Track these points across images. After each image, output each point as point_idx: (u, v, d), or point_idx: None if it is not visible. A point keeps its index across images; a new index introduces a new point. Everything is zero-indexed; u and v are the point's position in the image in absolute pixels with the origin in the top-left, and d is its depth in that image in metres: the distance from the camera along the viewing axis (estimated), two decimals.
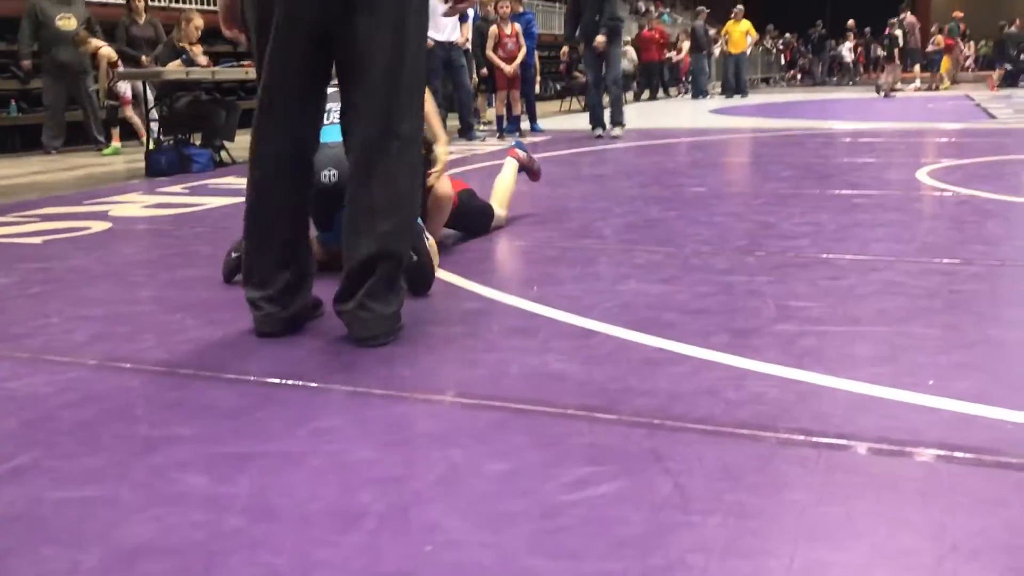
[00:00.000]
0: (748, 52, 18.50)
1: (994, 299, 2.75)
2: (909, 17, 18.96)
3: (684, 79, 20.38)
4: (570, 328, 2.52)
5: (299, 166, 2.47)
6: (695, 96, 18.08)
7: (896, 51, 17.86)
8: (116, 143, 9.11)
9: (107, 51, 8.72)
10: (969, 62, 27.06)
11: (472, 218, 3.97)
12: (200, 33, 7.58)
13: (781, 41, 28.51)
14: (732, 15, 18.11)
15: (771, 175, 5.92)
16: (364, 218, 2.33)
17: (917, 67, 19.18)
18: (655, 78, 18.69)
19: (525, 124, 10.14)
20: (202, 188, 5.87)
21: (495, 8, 9.55)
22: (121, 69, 8.57)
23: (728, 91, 18.24)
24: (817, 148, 7.55)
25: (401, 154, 2.34)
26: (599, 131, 9.24)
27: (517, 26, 9.37)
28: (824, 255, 3.36)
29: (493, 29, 9.42)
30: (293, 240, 2.48)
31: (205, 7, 11.51)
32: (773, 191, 5.14)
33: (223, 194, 5.55)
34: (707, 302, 2.77)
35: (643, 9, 29.33)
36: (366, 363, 2.26)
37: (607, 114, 9.31)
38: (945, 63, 19.59)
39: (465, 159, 7.37)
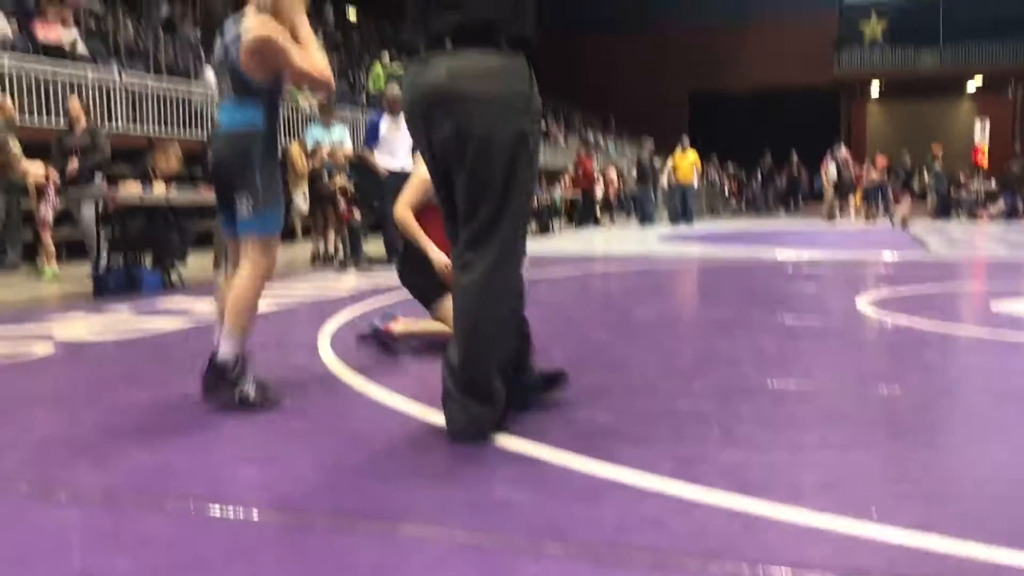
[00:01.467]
0: (696, 183, 19.13)
1: (932, 427, 2.82)
2: (843, 151, 19.88)
3: (616, 207, 20.99)
4: (517, 455, 2.51)
5: None
6: (643, 223, 18.57)
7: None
8: (51, 266, 8.71)
9: (34, 169, 8.47)
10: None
11: None
12: (175, 166, 7.66)
13: (727, 171, 29.59)
14: (679, 147, 18.81)
15: (717, 302, 6.07)
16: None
17: (851, 198, 19.98)
18: (588, 206, 19.39)
19: None
20: (150, 311, 5.82)
21: None
22: (72, 186, 8.55)
23: (676, 219, 18.77)
24: (762, 276, 7.76)
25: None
26: None
27: None
28: (769, 381, 3.42)
29: None
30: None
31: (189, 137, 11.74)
32: (719, 317, 5.26)
33: (172, 317, 5.51)
34: (653, 428, 2.79)
35: (591, 140, 30.41)
36: (312, 490, 2.22)
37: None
38: (859, 195, 20.39)
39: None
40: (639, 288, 7.25)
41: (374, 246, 10.04)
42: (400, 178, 9.00)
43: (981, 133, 23.73)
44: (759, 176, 26.95)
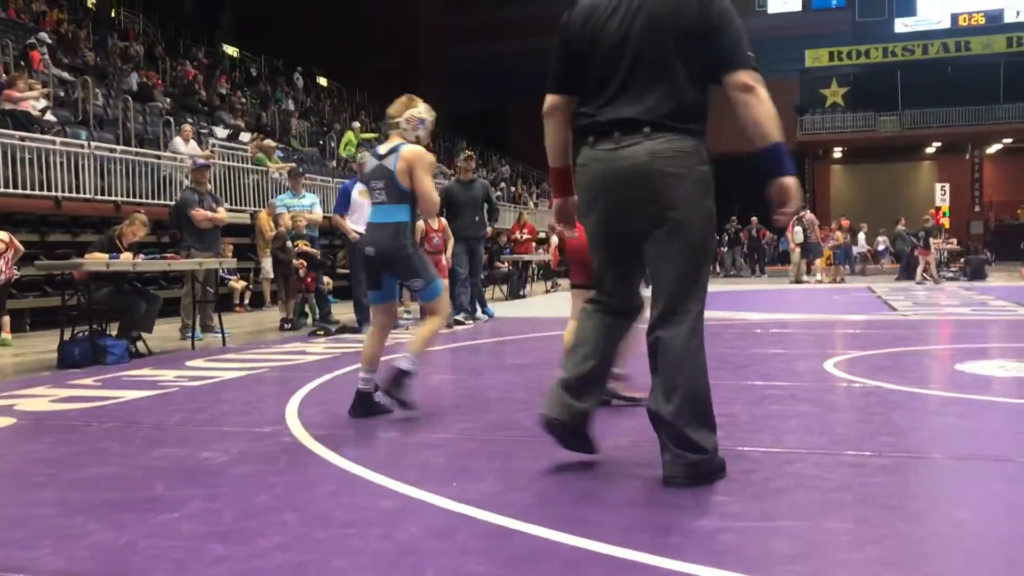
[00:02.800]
0: None
1: (902, 492, 2.82)
2: (808, 214, 20.22)
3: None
4: (489, 527, 2.49)
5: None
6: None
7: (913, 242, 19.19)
8: (5, 334, 8.63)
9: None
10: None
11: None
12: (142, 235, 7.63)
13: None
14: None
15: None
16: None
17: (818, 261, 20.27)
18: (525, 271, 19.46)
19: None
20: (115, 381, 5.74)
21: None
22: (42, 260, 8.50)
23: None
24: (731, 338, 7.80)
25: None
26: (469, 319, 9.92)
27: (443, 221, 9.72)
28: (739, 447, 3.42)
29: (420, 224, 9.74)
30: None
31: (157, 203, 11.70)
32: None
33: (137, 387, 5.43)
34: (627, 497, 2.77)
35: (528, 203, 30.67)
36: (276, 568, 2.18)
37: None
38: (825, 257, 20.71)
39: (389, 347, 7.37)
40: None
41: (347, 311, 10.00)
42: None
43: (941, 196, 24.31)
44: (726, 239, 27.26)
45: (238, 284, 13.05)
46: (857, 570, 2.09)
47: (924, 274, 18.55)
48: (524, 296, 16.34)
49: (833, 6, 39.68)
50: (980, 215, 38.42)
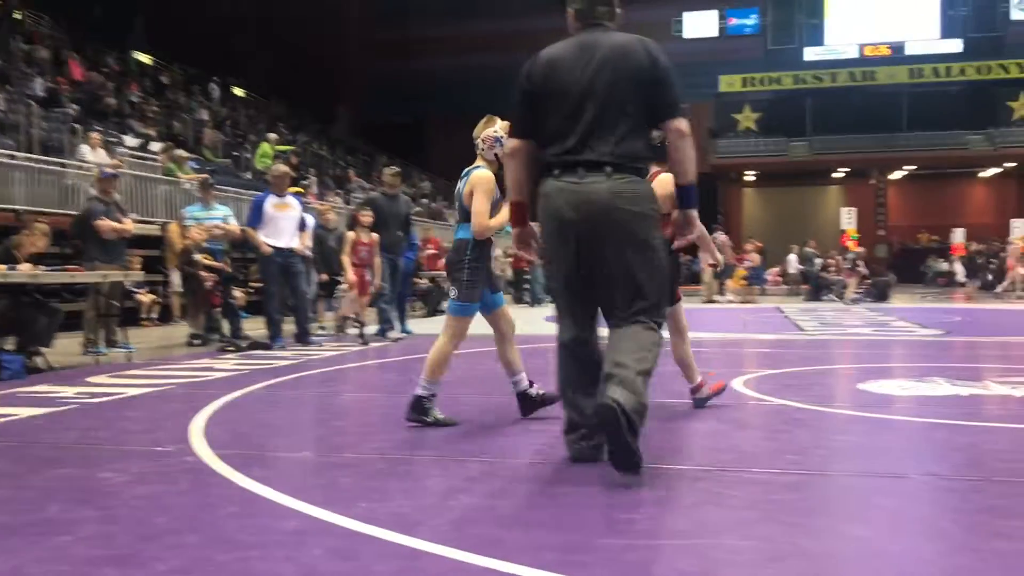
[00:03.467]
0: None
1: (805, 509, 2.88)
2: (722, 236, 20.69)
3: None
4: (396, 548, 2.44)
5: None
6: (533, 304, 18.77)
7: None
8: None
9: None
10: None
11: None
12: (42, 246, 7.34)
13: None
14: None
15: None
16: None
17: (729, 281, 20.74)
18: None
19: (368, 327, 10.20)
20: (10, 397, 5.48)
21: (356, 218, 9.82)
22: None
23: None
24: None
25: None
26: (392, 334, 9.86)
27: (375, 236, 9.63)
28: (651, 465, 3.44)
29: (351, 235, 9.63)
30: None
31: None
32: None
33: (34, 404, 5.21)
34: (538, 515, 2.76)
35: (449, 220, 30.74)
36: None
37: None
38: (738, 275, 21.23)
39: (302, 365, 7.26)
40: (530, 369, 7.25)
41: (259, 326, 9.79)
42: (285, 256, 8.86)
43: (848, 220, 25.16)
44: None
45: (146, 298, 12.67)
46: None
47: (850, 294, 19.16)
48: (442, 312, 16.29)
49: (747, 33, 40.81)
50: (884, 238, 39.90)
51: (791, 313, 15.26)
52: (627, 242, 3.30)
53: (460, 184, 4.62)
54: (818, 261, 22.26)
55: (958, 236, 36.98)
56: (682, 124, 3.31)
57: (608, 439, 3.08)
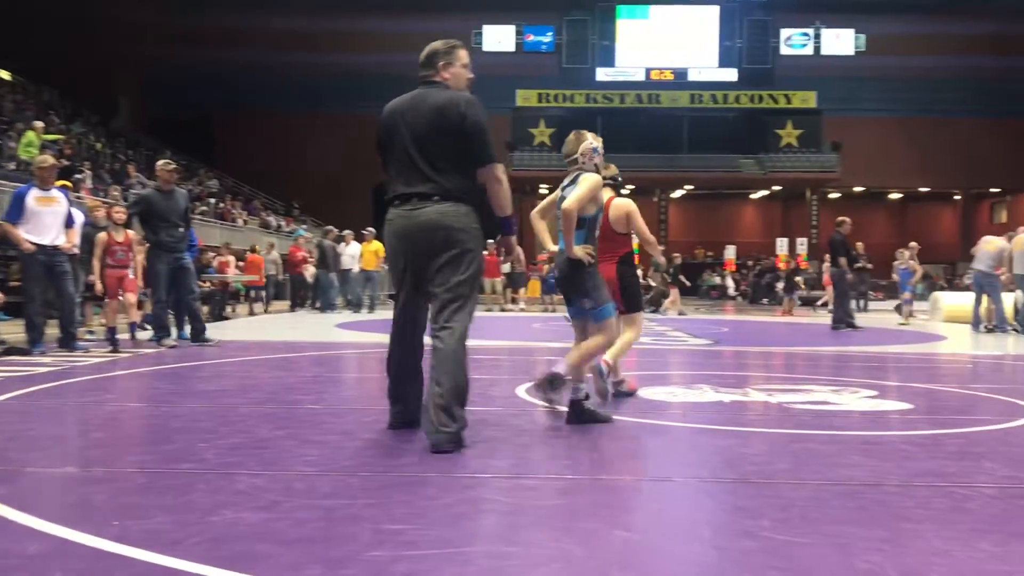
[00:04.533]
0: (379, 270, 19.35)
1: (574, 514, 2.95)
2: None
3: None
4: (149, 568, 2.29)
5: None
6: (323, 310, 18.39)
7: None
8: None
9: None
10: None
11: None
12: None
13: None
14: (364, 236, 19.00)
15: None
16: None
17: (522, 290, 21.28)
18: (299, 290, 19.41)
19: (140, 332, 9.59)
20: None
21: (108, 214, 9.17)
22: None
23: (356, 306, 18.79)
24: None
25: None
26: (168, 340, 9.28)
27: (131, 233, 9.03)
28: (426, 474, 3.43)
29: (102, 236, 8.97)
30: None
31: None
32: (387, 408, 5.24)
33: None
34: (304, 530, 2.67)
35: (275, 225, 29.85)
36: None
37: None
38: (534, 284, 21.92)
39: (65, 372, 6.72)
40: (309, 378, 7.09)
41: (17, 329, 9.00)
42: (49, 254, 8.18)
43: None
44: None
45: None
46: None
47: (670, 305, 20.04)
48: (227, 318, 15.64)
49: (543, 50, 42.08)
50: (664, 253, 42.08)
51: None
52: (444, 251, 4.03)
53: (566, 191, 4.84)
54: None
55: (730, 252, 39.74)
56: (494, 171, 4.09)
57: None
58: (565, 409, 4.72)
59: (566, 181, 4.94)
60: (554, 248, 5.10)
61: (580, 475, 3.52)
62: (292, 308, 19.07)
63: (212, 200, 26.99)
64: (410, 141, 4.10)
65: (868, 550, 2.56)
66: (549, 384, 4.63)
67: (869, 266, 21.00)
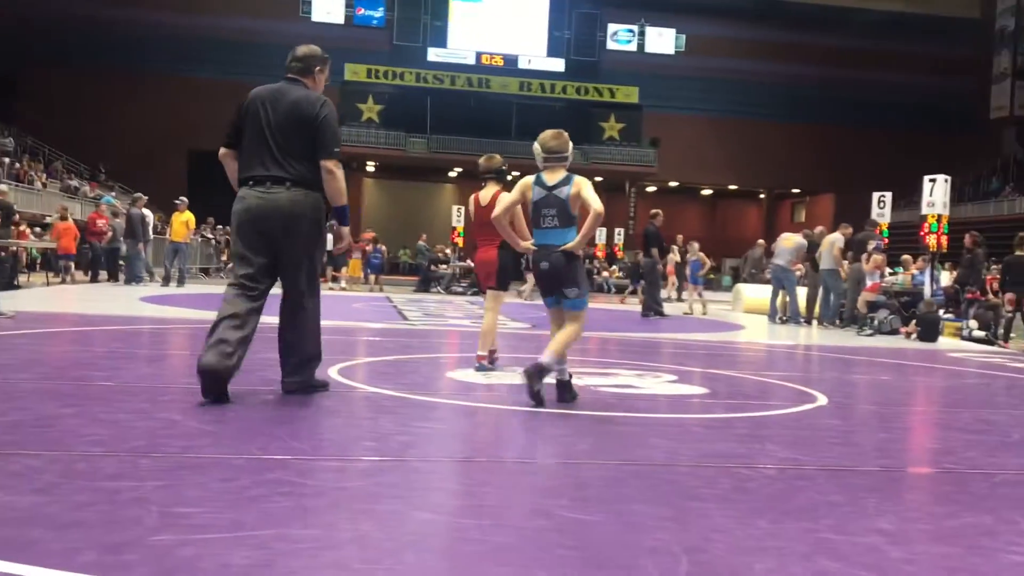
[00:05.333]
0: (188, 241, 18.50)
1: (375, 495, 2.91)
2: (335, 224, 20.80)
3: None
4: None
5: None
6: (128, 282, 17.41)
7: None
8: None
9: None
10: None
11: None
12: None
13: (224, 232, 29.10)
14: (176, 205, 18.07)
15: (187, 369, 5.80)
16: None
17: (344, 269, 20.94)
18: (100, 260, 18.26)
19: None
20: None
21: None
22: None
23: (165, 279, 17.91)
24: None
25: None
26: None
27: None
28: (223, 455, 3.30)
29: None
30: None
31: None
32: (186, 386, 5.02)
33: None
34: (83, 514, 2.50)
35: (76, 187, 27.98)
36: None
37: None
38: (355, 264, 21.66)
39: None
40: (103, 353, 6.68)
41: None
42: None
43: (458, 218, 26.59)
44: None
45: None
46: (315, 575, 2.10)
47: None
48: (18, 287, 14.52)
49: (373, 25, 41.43)
50: None
51: (399, 303, 15.73)
52: (298, 235, 4.54)
53: (558, 192, 4.98)
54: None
55: None
56: (330, 164, 4.52)
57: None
58: (531, 403, 4.79)
59: (548, 180, 5.04)
60: (529, 244, 5.14)
61: (385, 456, 3.49)
62: (92, 279, 17.92)
63: (7, 160, 24.95)
64: (268, 128, 4.51)
65: (656, 528, 2.67)
66: (537, 375, 4.76)
67: (691, 258, 22.06)
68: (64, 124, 35.52)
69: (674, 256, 18.75)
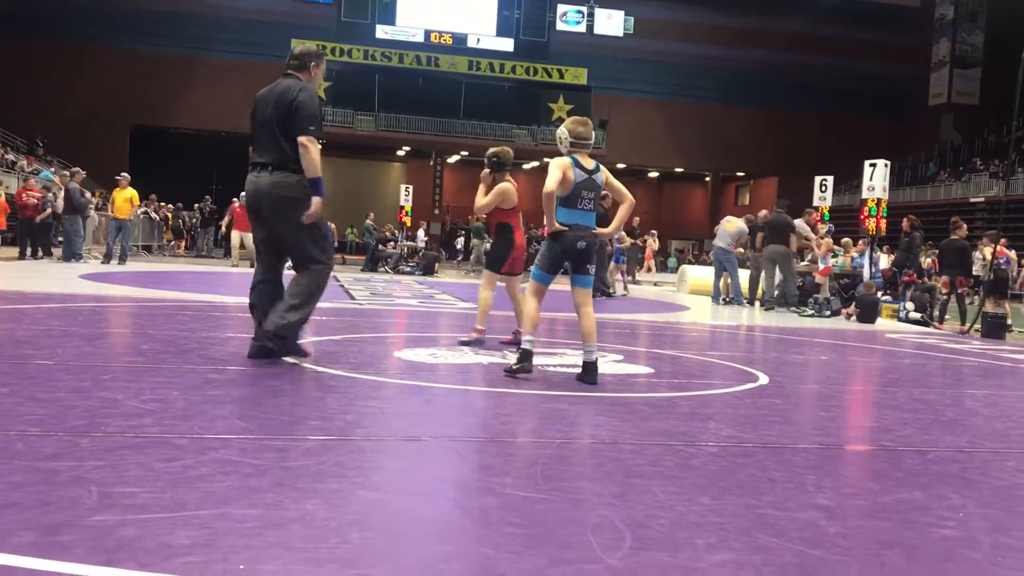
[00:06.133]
0: (131, 219, 18.10)
1: (319, 474, 2.90)
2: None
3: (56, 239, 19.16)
4: None
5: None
6: (67, 259, 16.99)
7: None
8: None
9: None
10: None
11: None
12: None
13: (167, 209, 28.55)
14: (117, 182, 17.66)
15: (129, 348, 5.70)
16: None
17: None
18: (32, 236, 17.67)
19: None
20: None
21: None
22: None
23: (107, 257, 17.52)
24: (185, 321, 7.52)
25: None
26: None
27: None
28: (165, 435, 3.26)
29: None
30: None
31: None
32: (128, 365, 4.94)
33: None
34: (19, 494, 2.46)
35: (13, 161, 27.19)
36: None
37: None
38: None
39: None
40: (42, 332, 6.52)
41: None
42: None
43: (406, 197, 26.38)
44: (199, 219, 26.53)
45: None
46: (254, 555, 2.08)
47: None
48: None
49: (321, 1, 40.82)
50: (439, 217, 42.48)
51: (346, 283, 15.60)
52: (283, 215, 5.11)
53: (596, 177, 5.24)
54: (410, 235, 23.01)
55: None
56: (304, 139, 5.00)
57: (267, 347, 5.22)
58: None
59: (587, 164, 5.23)
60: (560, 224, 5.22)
61: (330, 436, 3.47)
62: (21, 256, 17.38)
63: None
64: (261, 121, 5.17)
65: (600, 504, 2.71)
66: (592, 364, 5.15)
67: (640, 241, 22.32)
68: (2, 95, 34.45)
69: (652, 243, 18.80)
